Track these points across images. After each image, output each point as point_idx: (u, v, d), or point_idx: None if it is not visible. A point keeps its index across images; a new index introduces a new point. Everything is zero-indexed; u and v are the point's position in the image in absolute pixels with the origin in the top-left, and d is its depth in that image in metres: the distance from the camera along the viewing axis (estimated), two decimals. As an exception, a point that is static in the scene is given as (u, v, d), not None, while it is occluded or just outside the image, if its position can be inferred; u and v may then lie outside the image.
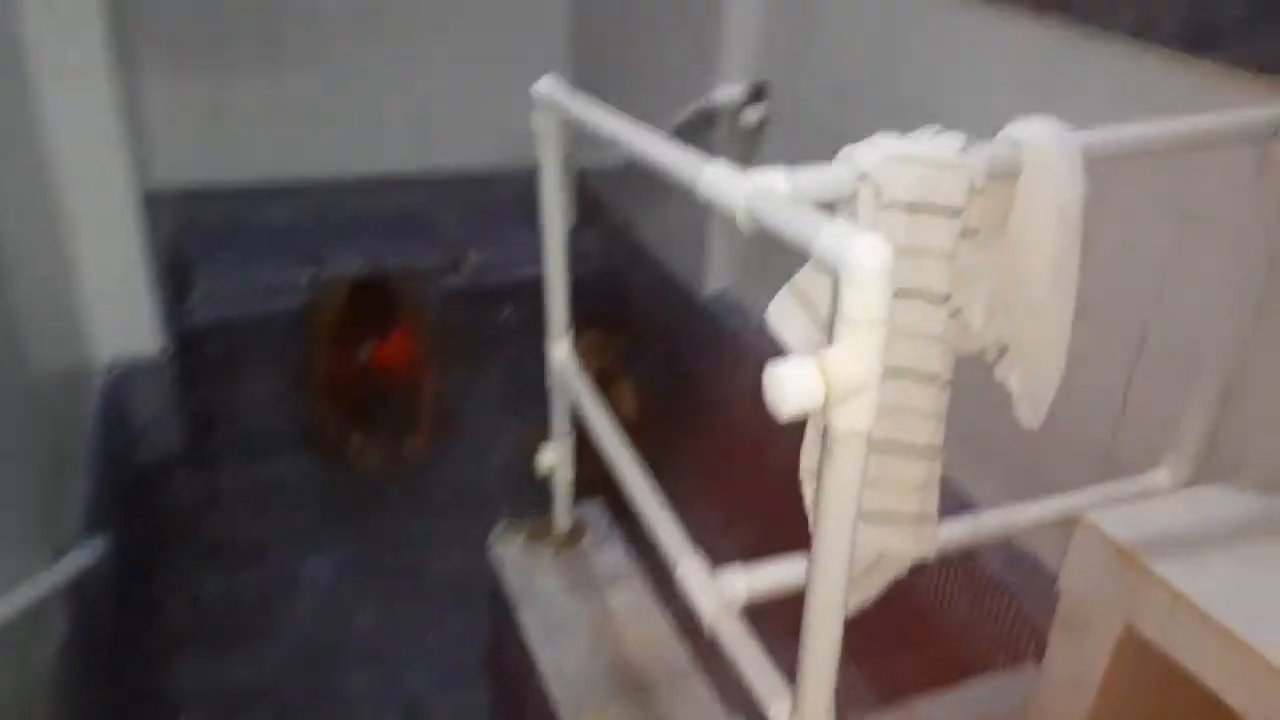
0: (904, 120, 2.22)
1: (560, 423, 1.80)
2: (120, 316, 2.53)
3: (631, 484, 1.49)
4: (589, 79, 3.93)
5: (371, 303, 3.16)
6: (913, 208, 1.03)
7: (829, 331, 0.79)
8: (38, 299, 2.12)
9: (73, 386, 2.29)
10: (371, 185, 3.95)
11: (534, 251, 3.82)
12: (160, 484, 2.63)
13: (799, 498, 1.08)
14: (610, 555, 1.87)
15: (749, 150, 2.71)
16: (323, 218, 3.88)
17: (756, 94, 2.63)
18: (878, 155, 1.03)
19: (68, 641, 1.71)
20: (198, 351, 3.17)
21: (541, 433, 1.79)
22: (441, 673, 2.23)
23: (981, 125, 1.16)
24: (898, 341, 1.04)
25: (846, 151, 1.05)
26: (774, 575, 1.20)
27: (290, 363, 3.24)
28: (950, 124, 1.11)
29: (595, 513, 1.99)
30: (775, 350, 3.15)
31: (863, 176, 1.02)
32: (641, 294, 3.43)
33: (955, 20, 1.96)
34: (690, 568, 1.23)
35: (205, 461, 2.75)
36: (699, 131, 2.79)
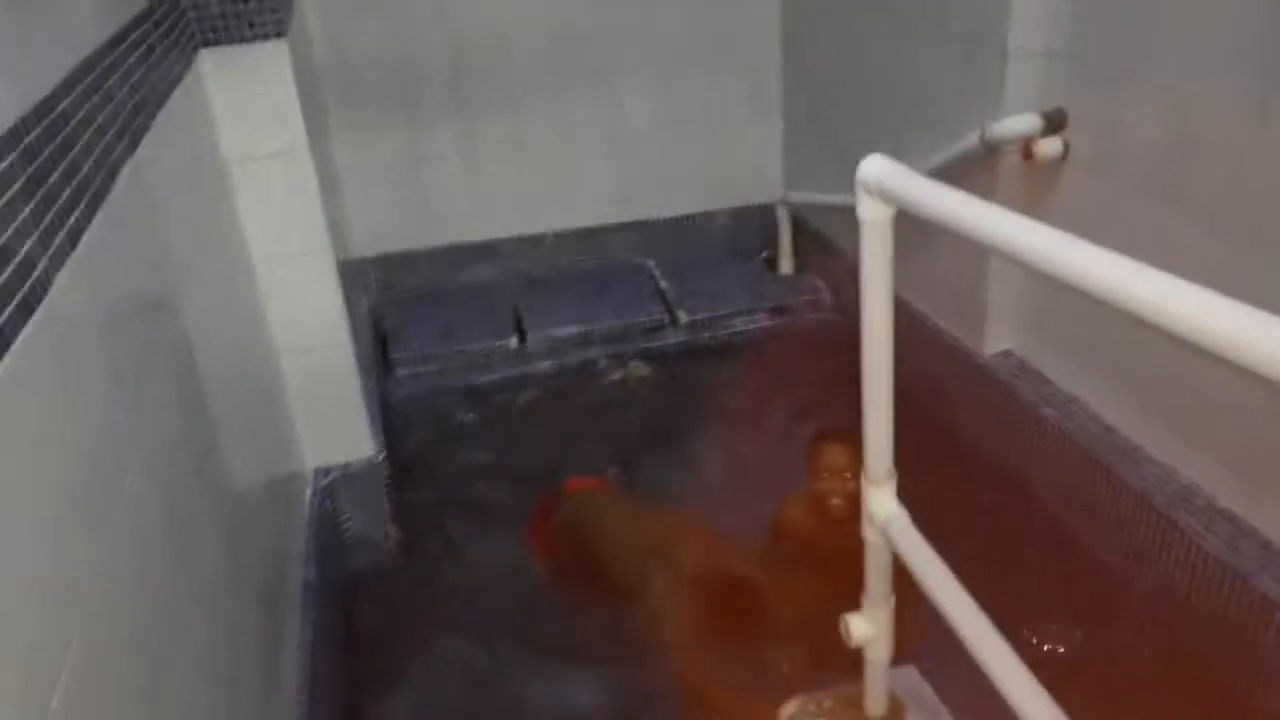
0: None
1: (879, 586, 1.40)
2: (330, 420, 2.29)
3: (1003, 673, 1.08)
4: (805, 121, 3.49)
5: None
6: None
7: None
8: (247, 416, 1.89)
9: (283, 507, 2.06)
10: (571, 240, 3.66)
11: (746, 302, 3.47)
12: (379, 605, 2.37)
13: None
14: (949, 753, 1.45)
15: (1043, 192, 2.22)
16: (525, 276, 3.61)
17: (1055, 123, 2.14)
18: None
19: None
20: (405, 433, 2.93)
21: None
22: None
23: None
24: None
25: None
26: None
27: (503, 442, 2.96)
28: None
29: (911, 684, 1.57)
30: (1094, 428, 2.44)
31: None
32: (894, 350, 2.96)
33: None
34: None
35: (424, 572, 2.47)
36: (965, 171, 2.32)
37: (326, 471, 2.29)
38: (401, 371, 3.16)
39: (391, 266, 3.51)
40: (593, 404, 3.15)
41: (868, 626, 1.42)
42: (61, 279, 0.94)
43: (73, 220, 1.01)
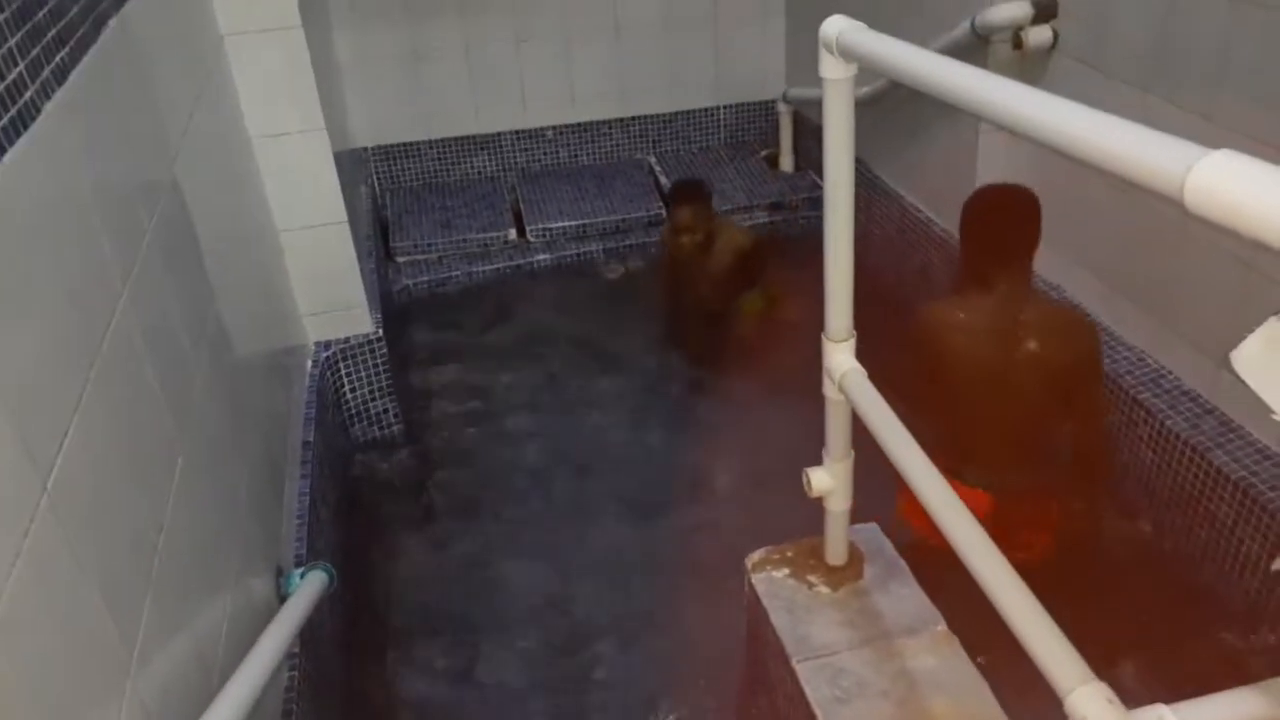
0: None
1: (839, 441, 1.47)
2: (329, 297, 2.36)
3: (965, 542, 1.14)
4: (807, 17, 3.45)
5: None
6: None
7: None
8: (247, 285, 1.96)
9: (284, 375, 2.14)
10: (571, 134, 3.67)
11: (743, 199, 3.49)
12: (379, 471, 2.48)
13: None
14: (901, 598, 1.54)
15: (1032, 81, 2.23)
16: (524, 171, 3.64)
17: (1045, 10, 2.14)
18: None
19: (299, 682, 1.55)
20: (405, 320, 3.01)
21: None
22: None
23: None
24: None
25: None
26: (1213, 715, 0.85)
27: (503, 324, 3.05)
28: None
29: (871, 539, 1.65)
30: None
31: None
32: (880, 237, 3.00)
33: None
34: (1093, 702, 0.88)
35: (422, 441, 2.58)
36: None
37: (327, 345, 2.37)
38: (402, 259, 3.22)
39: (393, 157, 3.54)
40: (589, 294, 3.22)
41: (827, 479, 1.49)
42: (50, 108, 1.00)
43: (59, 58, 1.06)
